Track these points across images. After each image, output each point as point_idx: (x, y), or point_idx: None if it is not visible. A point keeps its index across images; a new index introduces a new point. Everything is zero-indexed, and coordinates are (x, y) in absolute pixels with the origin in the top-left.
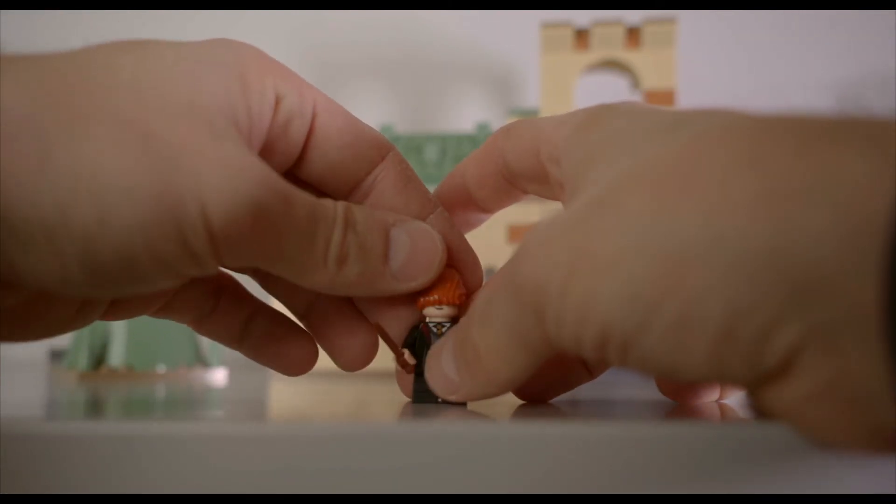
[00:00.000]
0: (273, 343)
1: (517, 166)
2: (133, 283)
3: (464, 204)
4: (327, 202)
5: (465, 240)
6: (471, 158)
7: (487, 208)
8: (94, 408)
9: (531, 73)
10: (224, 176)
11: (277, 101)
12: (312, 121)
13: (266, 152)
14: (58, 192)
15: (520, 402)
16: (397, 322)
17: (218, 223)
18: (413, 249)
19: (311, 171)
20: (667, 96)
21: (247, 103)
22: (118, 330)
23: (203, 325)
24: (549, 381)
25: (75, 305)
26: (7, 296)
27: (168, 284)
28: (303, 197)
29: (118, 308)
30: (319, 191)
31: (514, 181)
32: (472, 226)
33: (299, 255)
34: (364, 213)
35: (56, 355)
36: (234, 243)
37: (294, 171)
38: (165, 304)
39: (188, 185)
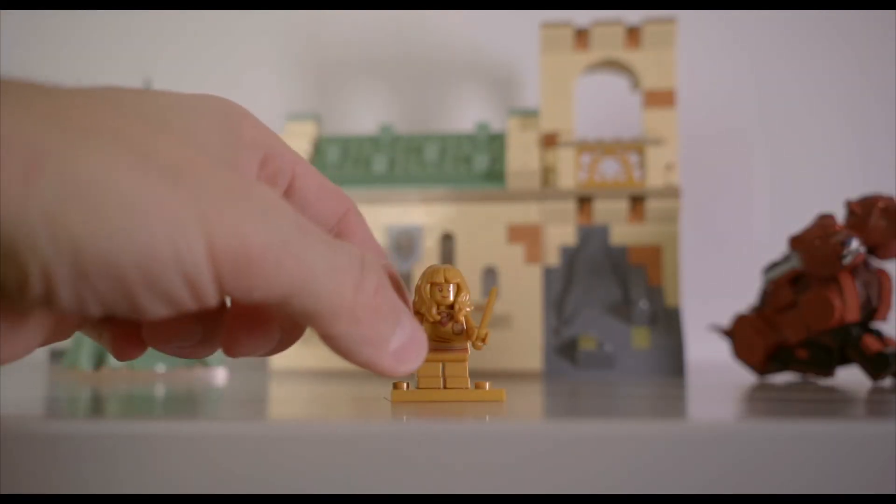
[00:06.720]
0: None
1: None
2: (122, 303)
3: None
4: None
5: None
6: None
7: None
8: (95, 407)
9: (531, 73)
10: (228, 198)
11: (265, 159)
12: (291, 181)
13: None
14: (46, 200)
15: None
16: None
17: (222, 248)
18: (411, 337)
19: None
20: (666, 96)
21: (237, 153)
22: None
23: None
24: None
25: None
26: None
27: (162, 311)
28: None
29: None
30: None
31: None
32: None
33: (327, 294)
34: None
35: (56, 355)
36: (240, 272)
37: None
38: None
39: (188, 203)
